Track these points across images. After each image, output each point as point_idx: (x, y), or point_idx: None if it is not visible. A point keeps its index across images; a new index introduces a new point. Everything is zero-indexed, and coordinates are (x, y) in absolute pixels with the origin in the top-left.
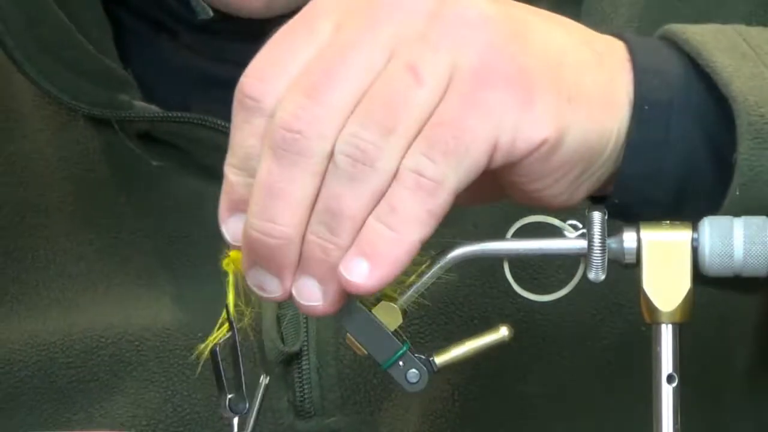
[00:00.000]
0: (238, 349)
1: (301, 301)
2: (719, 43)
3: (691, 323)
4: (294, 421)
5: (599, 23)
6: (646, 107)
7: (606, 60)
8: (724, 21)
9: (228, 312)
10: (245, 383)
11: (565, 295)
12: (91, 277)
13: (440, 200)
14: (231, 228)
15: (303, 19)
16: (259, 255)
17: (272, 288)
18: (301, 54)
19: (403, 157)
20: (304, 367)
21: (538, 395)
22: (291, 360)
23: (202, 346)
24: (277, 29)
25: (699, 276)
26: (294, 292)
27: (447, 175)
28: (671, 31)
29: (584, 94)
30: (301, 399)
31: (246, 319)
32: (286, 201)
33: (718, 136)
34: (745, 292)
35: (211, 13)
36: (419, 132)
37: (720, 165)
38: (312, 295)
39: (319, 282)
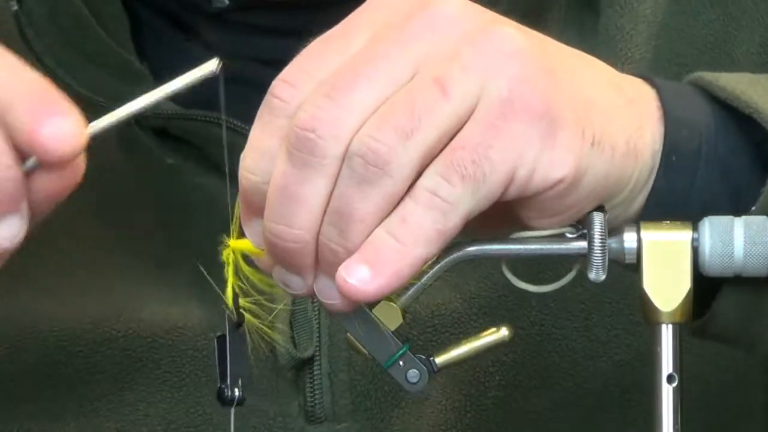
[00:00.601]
0: (227, 340)
1: (322, 299)
2: (755, 88)
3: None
4: (304, 426)
5: (618, 40)
6: (674, 158)
7: (636, 106)
8: (740, 44)
9: (226, 304)
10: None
11: (581, 312)
12: (101, 265)
13: (451, 222)
14: (253, 232)
15: (340, 29)
16: (279, 257)
17: (296, 286)
18: (333, 62)
19: (417, 167)
20: (315, 373)
21: (550, 410)
22: (303, 365)
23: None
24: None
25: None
26: (315, 290)
27: (462, 199)
28: (703, 79)
29: (609, 139)
30: (312, 404)
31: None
32: (300, 204)
33: (742, 185)
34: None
35: (227, 1)
36: (436, 146)
37: (739, 210)
38: (330, 294)
39: (335, 282)
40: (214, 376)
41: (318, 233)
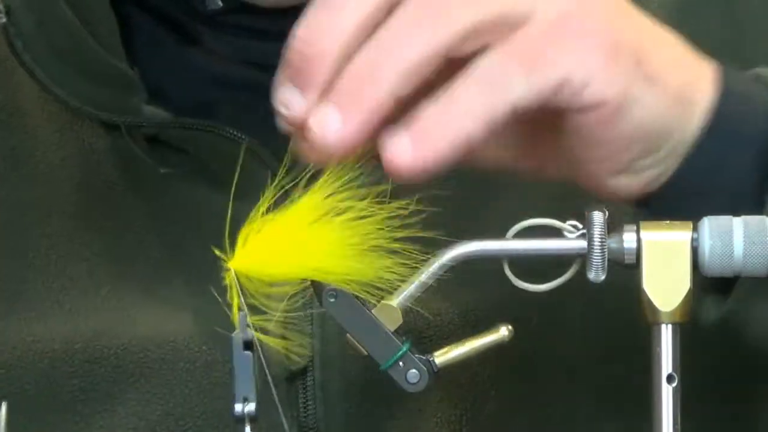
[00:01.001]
0: (232, 358)
1: (314, 129)
2: None
3: None
4: None
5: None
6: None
7: (695, 62)
8: (747, 52)
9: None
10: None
11: (589, 317)
12: (92, 280)
13: (501, 104)
14: (281, 94)
15: None
16: (295, 67)
17: (295, 105)
18: None
19: (474, 31)
20: (308, 384)
21: (546, 423)
22: (295, 377)
23: None
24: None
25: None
26: (312, 119)
27: (514, 81)
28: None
29: (663, 80)
30: (305, 415)
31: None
32: (343, 16)
33: None
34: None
35: (221, 3)
36: (496, 24)
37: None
38: (326, 125)
39: (343, 111)
40: (205, 388)
41: (347, 53)
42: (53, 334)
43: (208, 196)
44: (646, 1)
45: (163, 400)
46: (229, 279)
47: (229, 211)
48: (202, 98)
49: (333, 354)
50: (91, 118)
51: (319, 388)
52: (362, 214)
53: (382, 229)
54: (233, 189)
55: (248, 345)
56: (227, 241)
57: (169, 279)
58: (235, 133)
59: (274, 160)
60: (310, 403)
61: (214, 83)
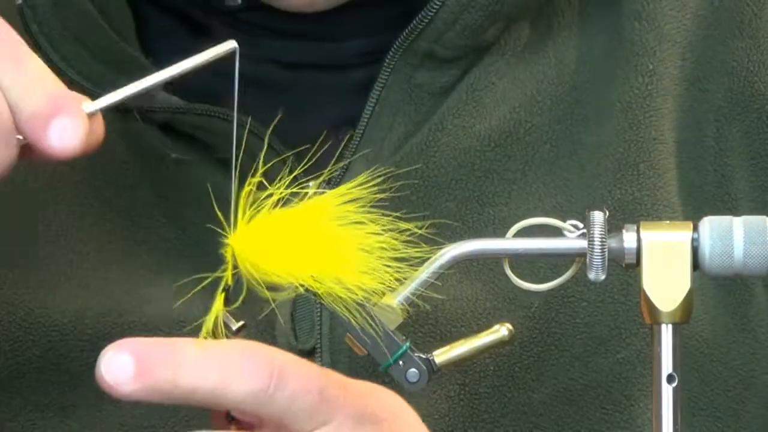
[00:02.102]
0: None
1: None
2: None
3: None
4: None
5: (641, 54)
6: None
7: None
8: (765, 75)
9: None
10: None
11: (584, 307)
12: (102, 258)
13: None
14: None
15: None
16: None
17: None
18: None
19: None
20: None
21: (546, 403)
22: (303, 358)
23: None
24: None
25: None
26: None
27: None
28: None
29: None
30: None
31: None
32: None
33: None
34: None
35: (239, 0)
36: None
37: None
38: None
39: None
40: None
41: None
42: (62, 307)
43: (218, 180)
44: None
45: None
46: (228, 254)
47: (233, 192)
48: (212, 91)
49: (341, 335)
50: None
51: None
52: (368, 225)
53: (383, 234)
54: (236, 168)
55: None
56: (228, 220)
57: (179, 261)
58: (245, 119)
59: (281, 145)
60: None
61: (225, 77)
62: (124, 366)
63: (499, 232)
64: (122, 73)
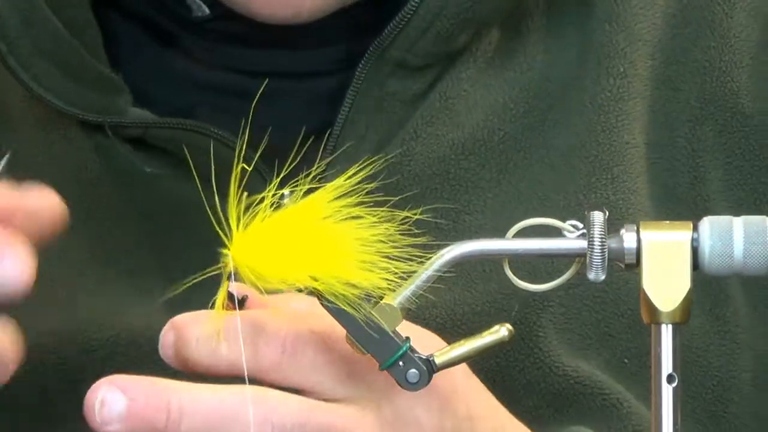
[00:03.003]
0: None
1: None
2: None
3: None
4: None
5: (612, 56)
6: None
7: None
8: (734, 73)
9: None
10: None
11: (562, 313)
12: (80, 274)
13: None
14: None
15: None
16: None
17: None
18: None
19: None
20: None
21: (537, 408)
22: None
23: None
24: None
25: None
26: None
27: None
28: None
29: None
30: None
31: None
32: None
33: None
34: None
35: (207, 11)
36: None
37: None
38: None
39: None
40: (196, 378)
41: None
42: (41, 327)
43: (192, 194)
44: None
45: None
46: (226, 265)
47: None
48: (183, 102)
49: None
50: (77, 119)
51: None
52: (363, 220)
53: (382, 233)
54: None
55: None
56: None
57: (156, 274)
58: (219, 132)
59: (253, 154)
60: None
61: (195, 87)
62: (116, 405)
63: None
64: (94, 90)
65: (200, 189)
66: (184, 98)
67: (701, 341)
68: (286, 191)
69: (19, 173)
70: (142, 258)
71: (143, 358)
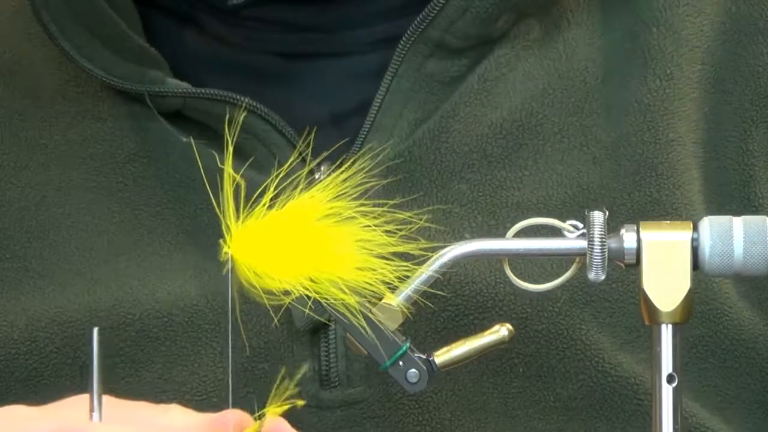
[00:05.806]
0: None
1: None
2: None
3: None
4: (318, 390)
5: (659, 58)
6: None
7: None
8: None
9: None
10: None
11: (605, 309)
12: (112, 250)
13: None
14: None
15: None
16: None
17: None
18: None
19: None
20: (330, 337)
21: (573, 399)
22: (318, 329)
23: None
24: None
25: None
26: None
27: None
28: None
29: None
30: (327, 369)
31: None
32: None
33: None
34: None
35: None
36: None
37: None
38: None
39: None
40: (235, 345)
41: None
42: (75, 304)
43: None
44: None
45: (188, 361)
46: (224, 255)
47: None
48: (218, 86)
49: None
50: (115, 89)
51: (341, 343)
52: (363, 220)
53: (382, 234)
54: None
55: None
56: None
57: (189, 243)
58: (258, 105)
59: (292, 131)
60: (332, 355)
61: (230, 70)
62: None
63: (513, 216)
64: (133, 62)
65: (234, 161)
66: (218, 82)
67: (750, 334)
68: (322, 167)
69: (54, 155)
70: (173, 226)
71: (176, 327)
